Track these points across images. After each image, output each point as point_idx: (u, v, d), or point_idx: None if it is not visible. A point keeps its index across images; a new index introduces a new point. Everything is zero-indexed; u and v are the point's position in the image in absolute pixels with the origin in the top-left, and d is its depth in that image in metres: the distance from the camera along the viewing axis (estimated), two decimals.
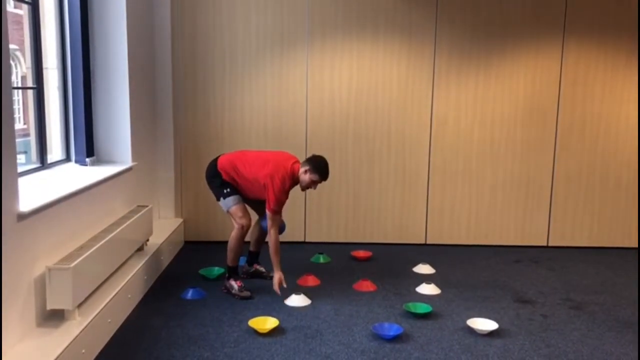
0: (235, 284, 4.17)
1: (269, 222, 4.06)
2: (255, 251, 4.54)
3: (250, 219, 4.17)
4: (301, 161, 4.16)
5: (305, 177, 4.05)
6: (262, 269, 4.53)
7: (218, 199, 4.19)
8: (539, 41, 5.33)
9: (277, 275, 4.08)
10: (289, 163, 4.08)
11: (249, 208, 4.24)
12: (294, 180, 4.09)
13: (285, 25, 5.25)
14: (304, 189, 4.16)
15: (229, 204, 4.11)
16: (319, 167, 4.04)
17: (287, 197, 4.08)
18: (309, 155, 5.33)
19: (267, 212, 4.04)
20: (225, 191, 4.12)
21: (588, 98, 5.41)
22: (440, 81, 5.36)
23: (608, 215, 5.57)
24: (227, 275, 4.24)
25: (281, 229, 4.22)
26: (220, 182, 4.13)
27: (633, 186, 5.54)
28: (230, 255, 4.18)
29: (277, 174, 3.98)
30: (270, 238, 4.07)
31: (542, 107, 5.42)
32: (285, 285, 4.09)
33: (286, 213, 5.45)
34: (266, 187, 3.99)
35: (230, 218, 4.20)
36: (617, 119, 5.45)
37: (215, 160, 4.23)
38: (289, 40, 5.27)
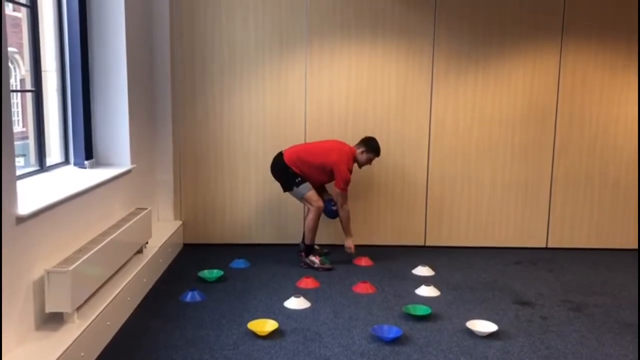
0: (316, 259, 4.84)
1: (340, 199, 4.80)
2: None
3: (322, 201, 4.85)
4: (352, 144, 4.92)
5: (362, 157, 4.87)
6: (316, 246, 5.03)
7: (290, 189, 4.84)
8: (537, 43, 5.34)
9: (350, 240, 4.93)
10: (347, 148, 4.84)
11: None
12: (353, 161, 4.87)
13: (284, 27, 5.26)
14: (362, 166, 4.93)
15: (303, 190, 4.78)
16: (373, 147, 4.88)
17: (350, 177, 4.80)
18: None
19: (337, 190, 4.76)
20: (297, 180, 4.78)
21: (586, 99, 5.42)
22: (438, 83, 5.37)
23: (607, 216, 5.58)
24: (305, 252, 4.90)
25: (335, 213, 4.92)
26: (290, 173, 4.77)
27: (632, 187, 5.55)
28: (309, 235, 4.86)
29: (342, 159, 4.73)
30: (344, 211, 4.84)
31: (540, 109, 5.43)
32: (353, 251, 4.93)
33: (285, 215, 5.49)
34: (335, 171, 4.73)
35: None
36: (615, 121, 5.46)
37: (280, 156, 4.84)
38: (288, 42, 5.28)
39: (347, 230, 4.93)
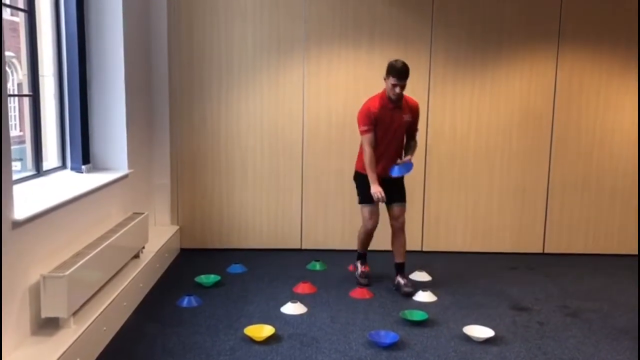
0: (359, 267, 4.60)
1: (362, 143, 4.28)
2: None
3: (376, 222, 4.40)
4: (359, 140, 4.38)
5: (387, 84, 4.17)
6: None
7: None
8: (534, 49, 5.36)
9: (376, 189, 4.20)
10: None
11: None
12: (384, 100, 4.23)
13: (282, 32, 5.27)
14: (395, 98, 4.18)
15: (361, 205, 4.43)
16: (389, 68, 4.14)
17: (372, 115, 4.20)
18: (306, 160, 5.37)
19: (360, 135, 4.28)
20: (359, 197, 4.44)
21: (583, 106, 5.44)
22: (436, 89, 5.38)
23: (603, 222, 5.58)
24: (357, 257, 4.66)
25: (408, 167, 4.35)
26: (358, 184, 4.45)
27: (628, 193, 5.56)
28: (358, 243, 4.60)
29: (365, 102, 4.29)
30: (365, 154, 4.25)
31: (537, 115, 5.44)
32: (383, 197, 4.22)
33: (282, 220, 5.48)
34: None
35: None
36: (612, 127, 5.48)
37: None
38: (286, 48, 5.29)
39: (371, 176, 4.25)
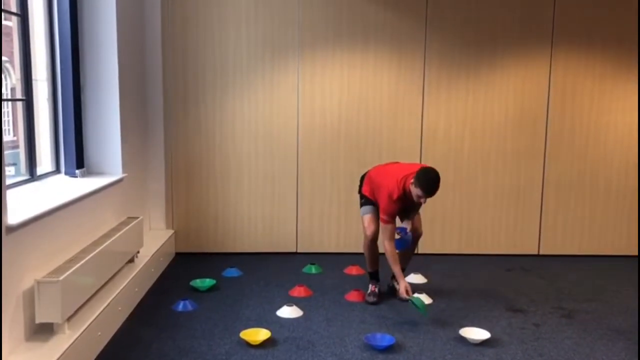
0: (370, 287, 4.35)
1: (380, 233, 4.12)
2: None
3: (375, 230, 4.23)
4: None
5: (412, 189, 3.88)
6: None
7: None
8: (528, 51, 5.38)
9: (402, 285, 4.04)
10: (403, 175, 3.97)
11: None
12: (407, 194, 3.96)
13: (276, 36, 5.27)
14: (416, 202, 3.97)
15: (362, 212, 4.32)
16: (421, 180, 3.82)
17: (395, 207, 4.02)
18: (301, 163, 5.37)
19: (380, 223, 4.12)
20: (361, 201, 4.35)
21: (577, 107, 5.46)
22: (430, 91, 5.39)
23: (598, 223, 5.60)
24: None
25: (407, 242, 4.24)
26: (360, 191, 4.37)
27: (623, 194, 5.58)
28: (366, 261, 4.39)
29: (386, 187, 4.02)
30: (385, 249, 4.10)
31: (531, 117, 5.46)
32: (410, 295, 3.98)
33: (278, 224, 5.48)
34: (377, 197, 4.14)
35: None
36: (606, 128, 5.50)
37: (368, 171, 4.39)
38: (280, 52, 5.29)
39: (395, 272, 4.13)
